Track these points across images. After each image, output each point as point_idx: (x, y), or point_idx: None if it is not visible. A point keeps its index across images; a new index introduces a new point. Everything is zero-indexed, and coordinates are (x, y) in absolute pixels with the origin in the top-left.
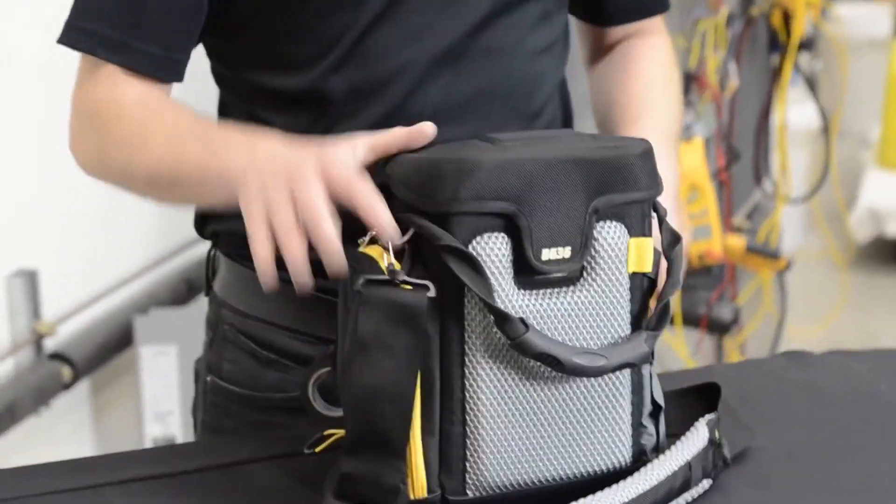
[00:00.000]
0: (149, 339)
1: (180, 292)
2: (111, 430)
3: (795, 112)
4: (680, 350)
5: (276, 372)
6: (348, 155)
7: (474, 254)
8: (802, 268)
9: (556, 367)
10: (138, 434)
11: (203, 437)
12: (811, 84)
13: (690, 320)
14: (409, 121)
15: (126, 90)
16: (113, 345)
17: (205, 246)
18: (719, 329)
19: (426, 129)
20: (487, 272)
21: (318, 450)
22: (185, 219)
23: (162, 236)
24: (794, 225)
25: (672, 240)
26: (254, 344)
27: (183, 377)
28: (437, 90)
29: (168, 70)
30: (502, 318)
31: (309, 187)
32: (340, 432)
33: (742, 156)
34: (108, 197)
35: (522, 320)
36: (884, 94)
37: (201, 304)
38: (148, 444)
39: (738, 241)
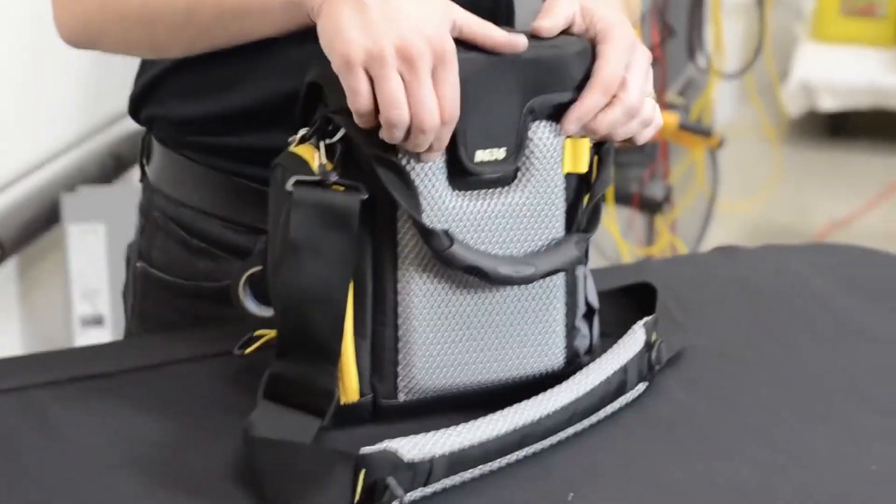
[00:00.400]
0: (76, 217)
1: (108, 169)
2: (39, 310)
3: None
4: (611, 228)
5: (207, 261)
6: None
7: (406, 158)
8: (734, 142)
9: (483, 277)
10: (66, 313)
11: (134, 323)
12: None
13: (622, 199)
14: None
15: None
16: (40, 223)
17: (132, 121)
18: (651, 208)
19: (520, 44)
20: (421, 173)
21: (248, 351)
22: (111, 92)
23: (88, 111)
24: (726, 98)
25: None
26: (185, 232)
27: (111, 256)
28: None
29: None
30: (427, 233)
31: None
32: (272, 333)
33: (677, 33)
34: (32, 71)
35: (447, 233)
36: None
37: (129, 182)
38: (76, 324)
39: (670, 118)
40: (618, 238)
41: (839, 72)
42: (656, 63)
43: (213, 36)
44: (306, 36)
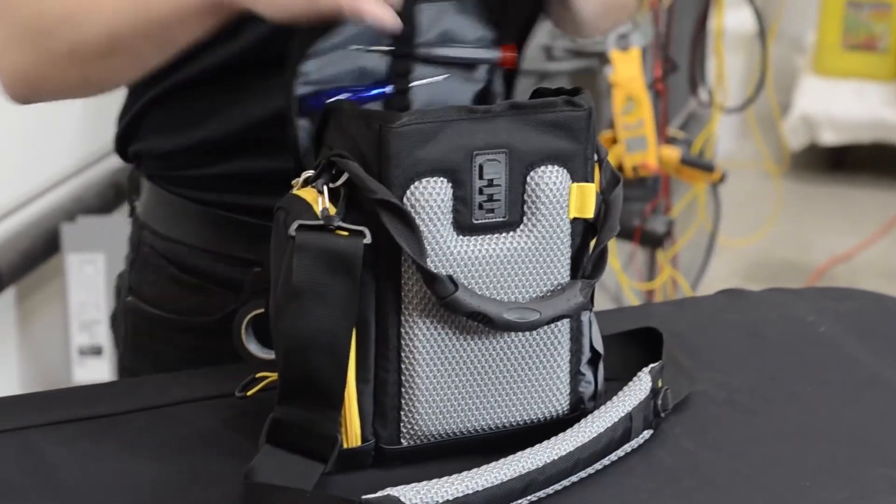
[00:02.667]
0: (76, 246)
1: (108, 198)
2: (37, 340)
3: (732, 16)
4: (613, 263)
5: (199, 295)
6: None
7: (412, 200)
8: (735, 176)
9: (488, 323)
10: (65, 343)
11: (126, 356)
12: None
13: (624, 233)
14: None
15: None
16: (39, 252)
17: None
18: (653, 242)
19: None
20: (426, 217)
21: (249, 393)
22: (111, 122)
23: (88, 141)
24: (728, 132)
25: (611, 182)
26: (175, 268)
27: (110, 286)
28: None
29: None
30: (431, 278)
31: None
32: (273, 375)
33: (679, 67)
34: None
35: (451, 278)
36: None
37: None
38: (74, 354)
39: (672, 153)
40: (619, 272)
41: (840, 106)
42: (659, 96)
43: (141, 55)
44: (279, 62)
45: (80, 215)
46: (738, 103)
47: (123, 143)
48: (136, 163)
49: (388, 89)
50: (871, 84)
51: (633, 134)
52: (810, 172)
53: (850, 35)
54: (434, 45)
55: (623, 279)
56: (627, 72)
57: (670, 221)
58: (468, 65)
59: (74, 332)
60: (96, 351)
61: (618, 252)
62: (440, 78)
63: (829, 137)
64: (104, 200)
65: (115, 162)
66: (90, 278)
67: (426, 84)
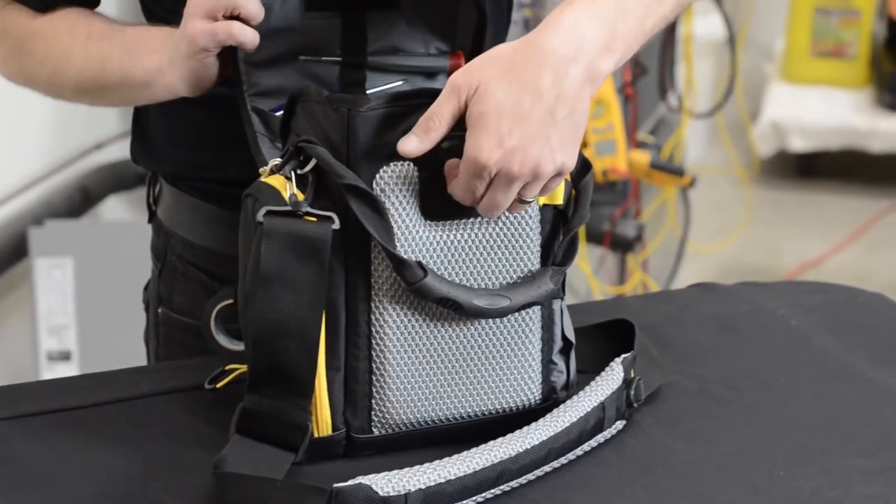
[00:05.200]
0: (44, 251)
1: (76, 202)
2: (5, 345)
3: (701, 23)
4: (583, 267)
5: (233, 305)
6: None
7: (381, 184)
8: (705, 182)
9: (457, 310)
10: (33, 348)
11: None
12: None
13: (594, 237)
14: None
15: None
16: (6, 257)
17: (101, 154)
18: (623, 246)
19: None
20: (395, 202)
21: (219, 385)
22: (79, 126)
23: (56, 144)
24: (697, 138)
25: (582, 169)
26: (205, 275)
27: (79, 290)
28: None
29: None
30: (400, 264)
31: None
32: (243, 367)
33: (649, 71)
34: None
35: (421, 264)
36: (788, 5)
37: (97, 216)
38: (43, 360)
39: (642, 157)
40: (589, 276)
41: (809, 112)
42: (628, 101)
43: (108, 102)
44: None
45: (48, 219)
46: (708, 109)
47: (135, 152)
48: (154, 169)
49: None
50: (840, 91)
51: (603, 138)
52: (780, 179)
53: (819, 42)
54: (385, 54)
55: (594, 283)
56: None
57: (640, 226)
58: (427, 73)
59: (43, 337)
60: (65, 356)
61: (588, 256)
62: (394, 85)
63: (798, 144)
64: (72, 204)
65: (84, 166)
66: (58, 283)
67: (381, 92)
